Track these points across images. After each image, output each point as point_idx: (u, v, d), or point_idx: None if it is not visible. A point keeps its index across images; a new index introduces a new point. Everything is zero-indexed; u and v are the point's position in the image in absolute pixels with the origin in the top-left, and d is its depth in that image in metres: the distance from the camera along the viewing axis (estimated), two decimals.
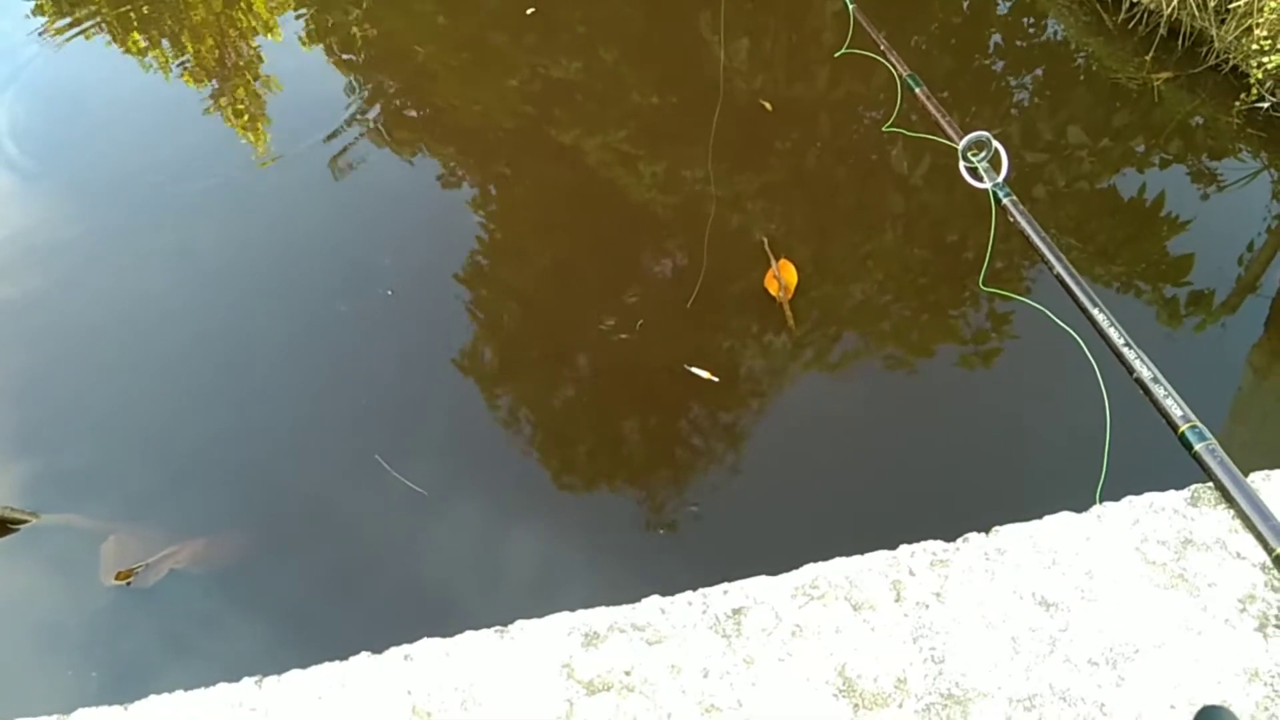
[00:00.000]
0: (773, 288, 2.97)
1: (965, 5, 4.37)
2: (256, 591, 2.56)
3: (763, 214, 3.39)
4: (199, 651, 2.47)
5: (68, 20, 5.23)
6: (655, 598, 1.15)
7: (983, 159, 1.58)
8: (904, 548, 1.19)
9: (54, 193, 4.04)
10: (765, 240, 3.11)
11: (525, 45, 4.35)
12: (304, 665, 1.21)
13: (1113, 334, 1.34)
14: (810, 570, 1.16)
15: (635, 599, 1.17)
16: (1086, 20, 3.99)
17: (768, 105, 3.72)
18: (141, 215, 3.86)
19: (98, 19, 5.24)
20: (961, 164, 1.60)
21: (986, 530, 1.21)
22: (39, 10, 5.22)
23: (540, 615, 1.19)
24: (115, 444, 2.98)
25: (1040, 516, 1.22)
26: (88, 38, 5.13)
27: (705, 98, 3.94)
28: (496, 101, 4.17)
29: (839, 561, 1.17)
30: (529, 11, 4.38)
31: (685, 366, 2.81)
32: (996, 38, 4.15)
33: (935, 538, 1.23)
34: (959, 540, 1.20)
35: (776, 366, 2.85)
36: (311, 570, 2.60)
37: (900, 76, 1.97)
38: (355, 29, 4.77)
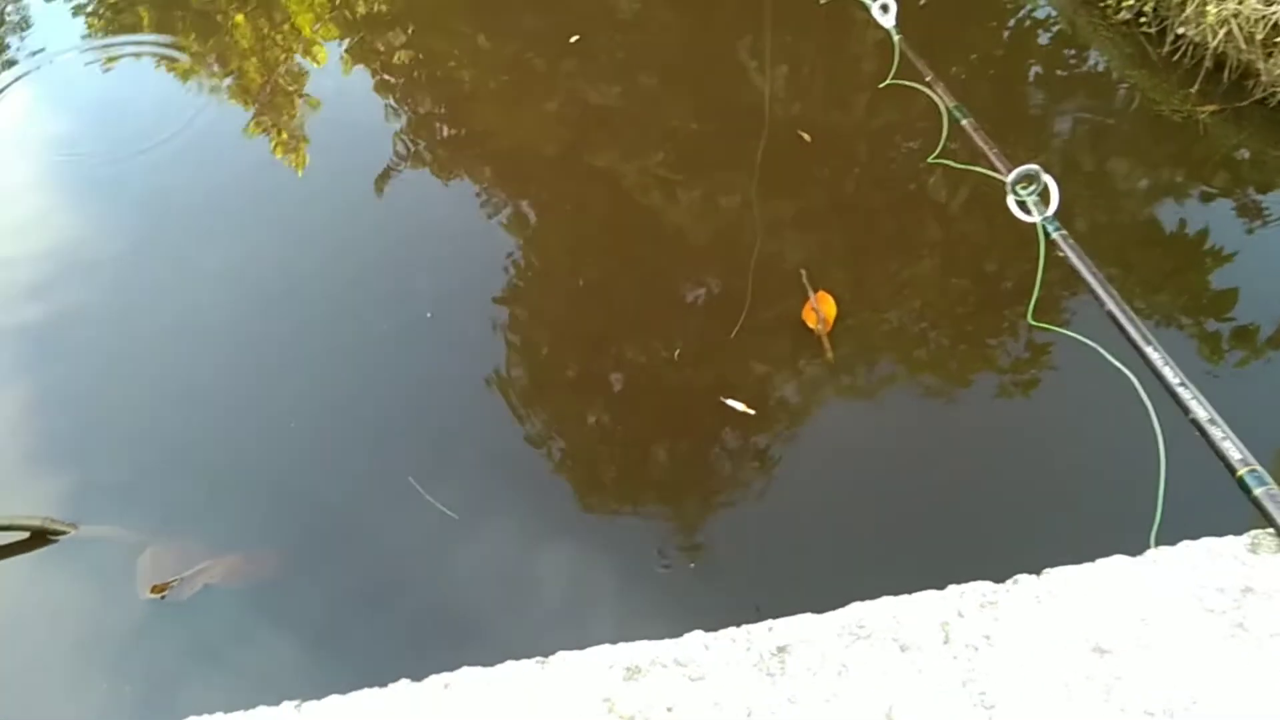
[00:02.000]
0: (810, 320, 2.95)
1: (1006, 35, 4.35)
2: (289, 609, 2.57)
3: (801, 244, 3.37)
4: (231, 668, 2.49)
5: (119, 41, 5.35)
6: (698, 633, 1.14)
7: (1032, 193, 1.57)
8: (952, 588, 1.17)
9: (97, 209, 4.12)
10: (804, 272, 3.10)
11: (564, 70, 4.39)
12: (334, 684, 1.20)
13: (1167, 373, 1.32)
14: (857, 609, 1.14)
15: (669, 628, 1.16)
16: (1130, 52, 3.96)
17: (806, 136, 3.71)
18: (182, 232, 3.93)
19: (148, 44, 5.37)
20: (1009, 197, 1.59)
21: (1037, 572, 1.19)
22: (90, 30, 5.34)
23: (572, 641, 1.18)
24: (153, 457, 3.02)
25: (1093, 559, 1.19)
26: (137, 60, 5.25)
27: (743, 124, 3.95)
28: (535, 125, 4.20)
29: (886, 601, 1.15)
30: (573, 39, 4.42)
31: (721, 399, 2.80)
32: (1037, 68, 4.13)
33: (984, 577, 1.21)
34: (1009, 581, 1.18)
35: (814, 399, 2.83)
36: (344, 590, 2.61)
37: (947, 108, 1.97)
38: (398, 53, 4.84)
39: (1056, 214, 1.55)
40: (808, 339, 2.95)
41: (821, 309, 2.92)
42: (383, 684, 1.17)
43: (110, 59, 5.18)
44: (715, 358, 3.05)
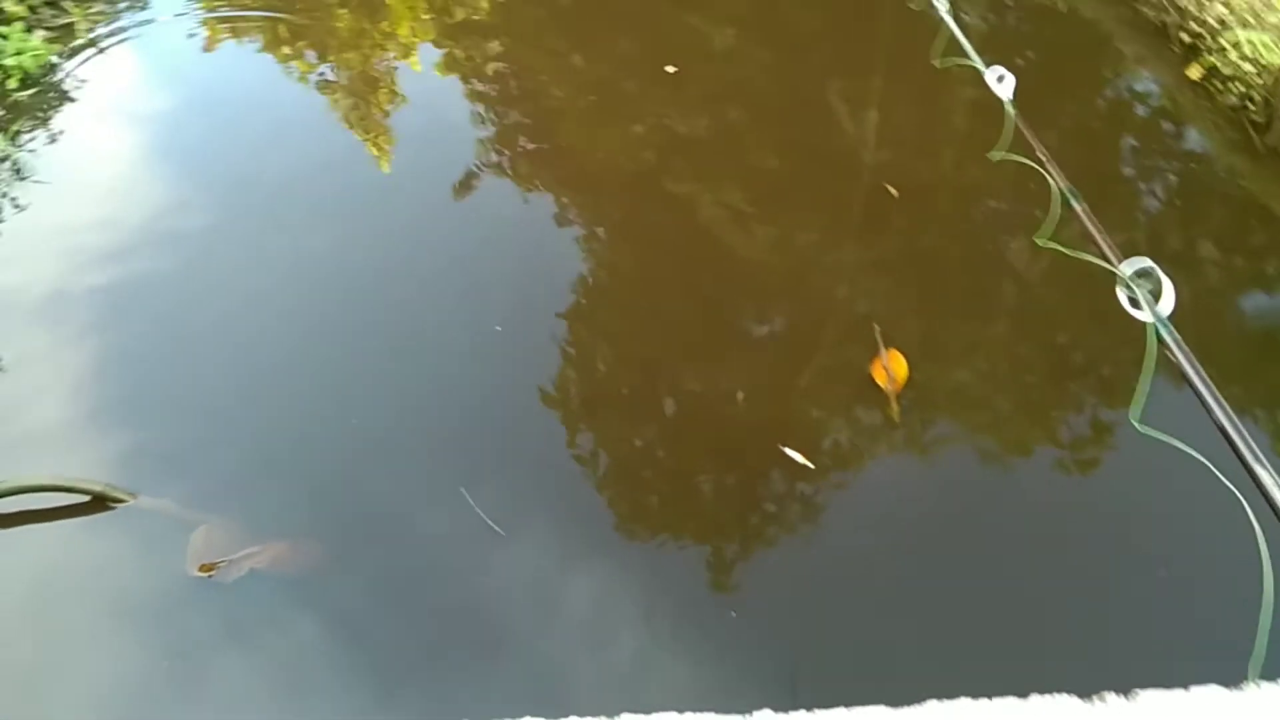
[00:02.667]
0: (880, 377, 2.91)
1: (1103, 108, 4.27)
2: (329, 603, 2.58)
3: (876, 296, 3.33)
4: (266, 653, 2.50)
5: (219, 18, 5.50)
6: (768, 712, 1.11)
7: (1144, 288, 1.52)
8: (1035, 699, 1.12)
9: (188, 181, 4.20)
10: (877, 327, 3.05)
11: (654, 96, 4.41)
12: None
13: (1278, 496, 1.26)
14: (935, 710, 1.10)
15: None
16: (1234, 138, 3.86)
17: (893, 190, 3.66)
18: (265, 213, 3.99)
19: (251, 24, 5.51)
20: (1120, 291, 1.54)
21: (1126, 693, 1.14)
22: (199, 19, 5.48)
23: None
24: (214, 434, 3.06)
25: (1186, 685, 1.14)
26: (239, 41, 5.39)
27: (826, 167, 3.93)
28: (618, 146, 4.22)
29: (965, 703, 1.11)
30: (669, 69, 4.43)
31: (781, 447, 2.76)
32: (1133, 144, 4.04)
33: (1065, 685, 1.16)
34: (1096, 699, 1.13)
35: (876, 462, 2.78)
36: (383, 591, 2.61)
37: (1060, 189, 1.92)
38: (491, 63, 4.90)
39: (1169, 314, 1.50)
40: (874, 395, 2.91)
41: (892, 367, 2.88)
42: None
43: (214, 33, 5.32)
44: (774, 399, 3.02)
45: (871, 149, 3.96)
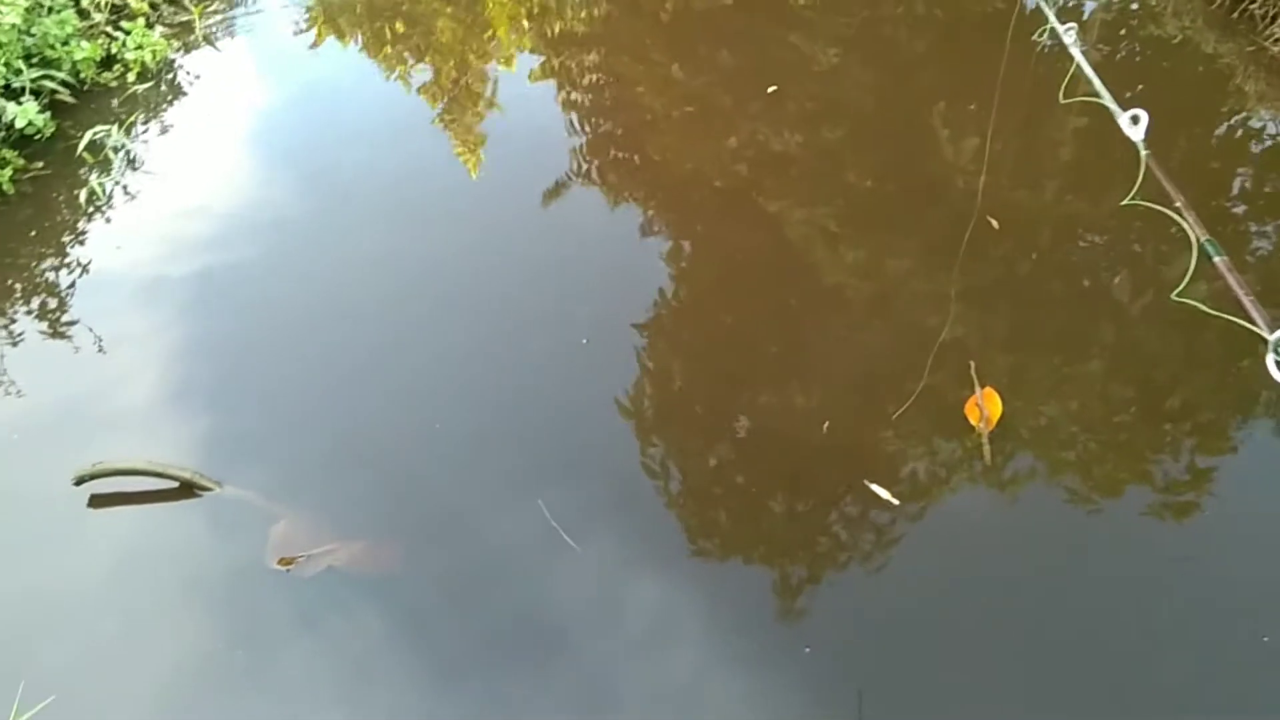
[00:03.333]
0: (973, 416, 2.79)
1: (1232, 145, 4.02)
2: (400, 607, 2.58)
3: (969, 330, 3.18)
4: (338, 652, 2.51)
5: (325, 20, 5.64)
6: None
7: None
8: None
9: (284, 175, 4.32)
10: (973, 364, 2.93)
11: (750, 111, 4.34)
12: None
13: None
14: None
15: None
16: None
17: (994, 223, 3.51)
18: (357, 210, 4.07)
19: (356, 27, 5.63)
20: (1270, 358, 1.41)
21: None
22: (310, 23, 5.64)
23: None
24: (301, 429, 3.11)
25: None
26: (342, 41, 5.51)
27: (923, 193, 3.80)
28: (710, 160, 4.16)
29: None
30: (770, 89, 4.36)
31: (866, 482, 2.67)
32: (1267, 186, 3.80)
33: None
34: None
35: (965, 504, 2.66)
36: (455, 597, 2.60)
37: (1198, 241, 1.79)
38: (588, 73, 4.90)
39: None
40: (966, 432, 2.78)
41: (987, 406, 2.75)
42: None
43: (320, 32, 5.45)
44: (853, 426, 2.92)
45: (972, 177, 3.82)
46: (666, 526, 2.78)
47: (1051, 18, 2.55)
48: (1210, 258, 1.74)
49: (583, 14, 5.36)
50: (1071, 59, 2.66)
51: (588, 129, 4.52)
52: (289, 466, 2.99)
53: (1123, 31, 4.68)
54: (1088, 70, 2.37)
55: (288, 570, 2.62)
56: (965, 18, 4.87)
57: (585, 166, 4.25)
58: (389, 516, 2.81)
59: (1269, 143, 4.02)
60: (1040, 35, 3.62)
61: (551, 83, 4.96)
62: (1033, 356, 3.13)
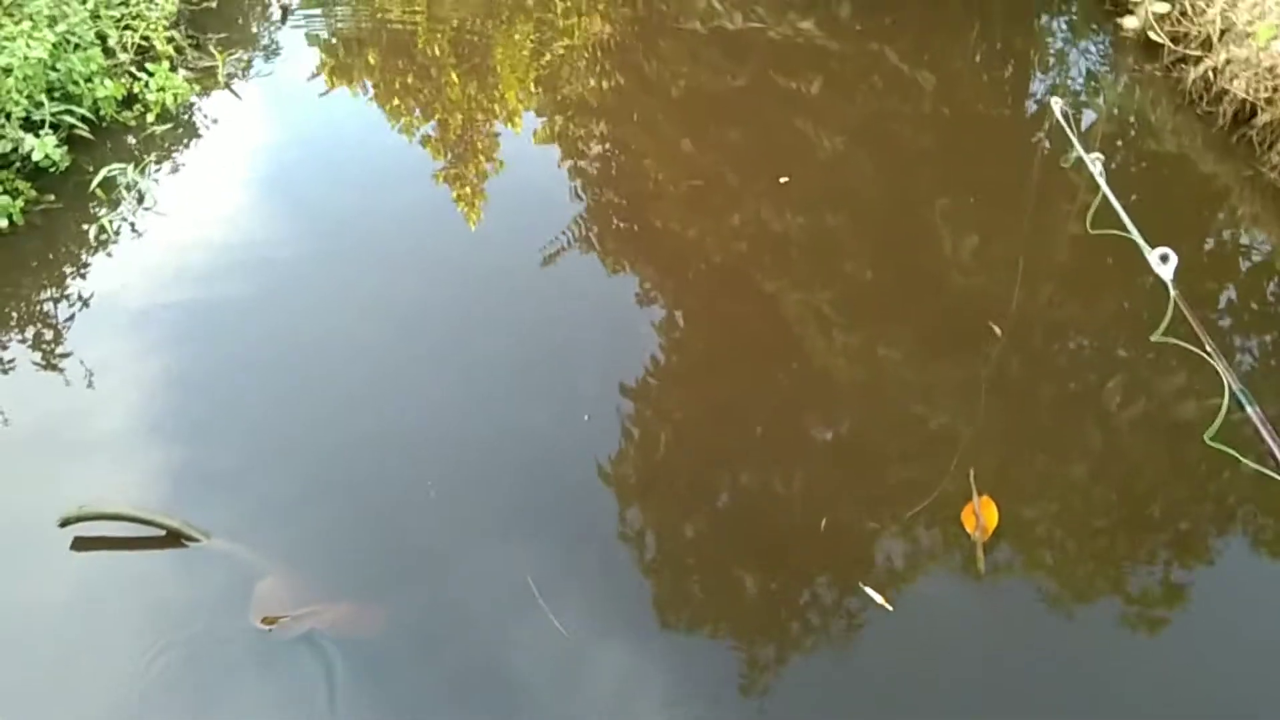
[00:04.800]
0: (969, 524, 2.81)
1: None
2: (379, 676, 2.56)
3: (961, 431, 3.23)
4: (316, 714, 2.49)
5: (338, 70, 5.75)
6: None
7: None
8: None
9: (286, 216, 4.38)
10: (972, 471, 2.96)
11: (756, 189, 4.45)
12: None
13: None
14: None
15: None
16: None
17: (996, 329, 3.56)
18: (353, 254, 4.13)
19: (367, 77, 5.75)
20: None
21: None
22: (320, 69, 5.76)
23: None
24: (290, 479, 3.10)
25: None
26: (353, 90, 5.62)
27: (919, 284, 3.88)
28: (711, 233, 4.24)
29: None
30: (782, 180, 4.44)
31: (860, 585, 2.70)
32: None
33: None
34: None
35: (958, 613, 2.67)
36: (436, 673, 2.58)
37: (1231, 388, 1.83)
38: (595, 141, 5.01)
39: None
40: (959, 539, 2.81)
41: (984, 514, 2.78)
42: None
43: (331, 81, 5.56)
44: (829, 515, 2.95)
45: (971, 276, 3.91)
46: (631, 583, 2.81)
47: (1079, 148, 2.64)
48: (1243, 407, 1.78)
49: (592, 83, 5.50)
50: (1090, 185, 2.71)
51: (592, 194, 4.61)
52: (271, 515, 2.97)
53: (1119, 142, 4.83)
54: (1114, 203, 2.45)
55: (270, 630, 2.60)
56: (972, 120, 5.02)
57: (584, 228, 4.32)
58: (375, 578, 2.79)
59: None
60: (1067, 163, 3.70)
61: (556, 145, 5.07)
62: (1033, 471, 3.16)
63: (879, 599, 2.64)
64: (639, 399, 3.44)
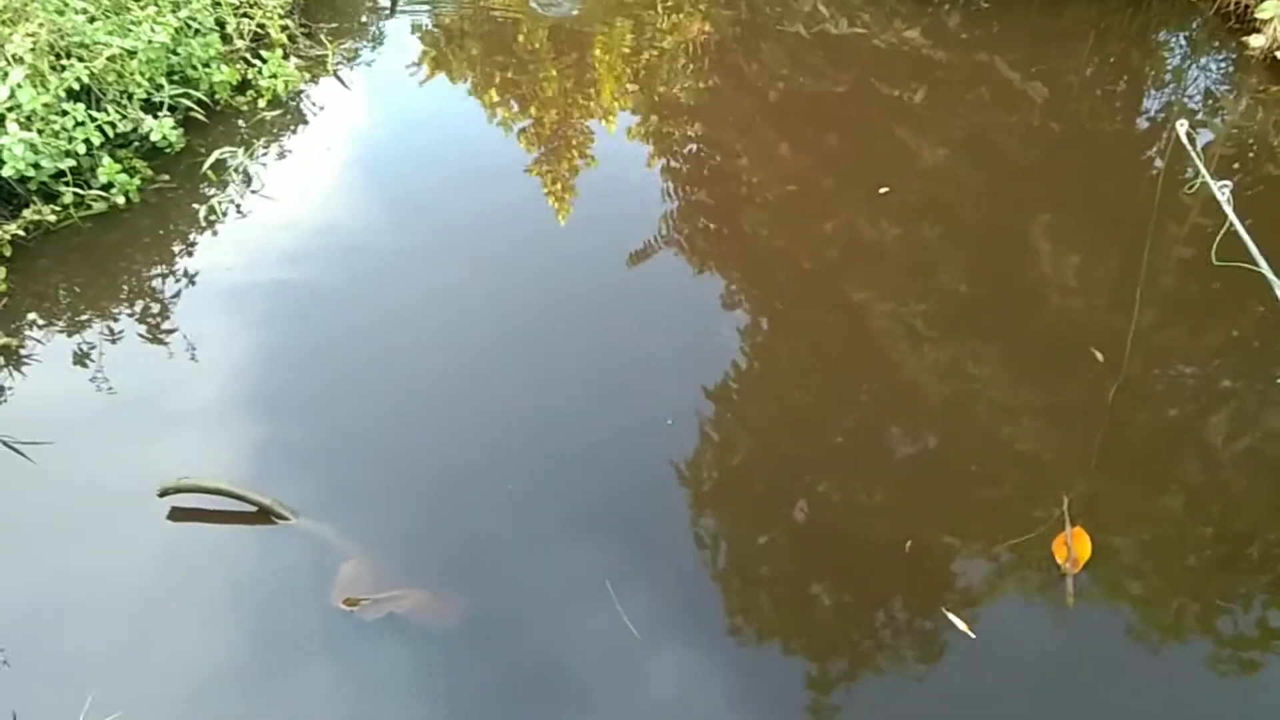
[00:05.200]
0: (1060, 555, 2.71)
1: None
2: (457, 661, 2.60)
3: (1054, 457, 3.11)
4: (389, 699, 2.54)
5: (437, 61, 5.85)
6: None
7: None
8: None
9: (379, 202, 4.47)
10: (1066, 500, 2.85)
11: (850, 196, 4.37)
12: None
13: None
14: None
15: None
16: None
17: (1099, 355, 3.42)
18: (442, 243, 4.22)
19: (467, 70, 5.84)
20: None
21: None
22: (422, 59, 5.87)
23: None
24: (372, 464, 3.17)
25: None
26: (452, 81, 5.71)
27: (1016, 302, 3.76)
28: (802, 240, 4.18)
29: None
30: (882, 190, 4.35)
31: (944, 609, 2.62)
32: None
33: None
34: None
35: (1042, 644, 2.58)
36: (504, 664, 2.61)
37: None
38: (691, 142, 4.98)
39: None
40: (1049, 569, 2.71)
41: (1075, 546, 2.68)
42: None
43: (431, 71, 5.66)
44: (913, 532, 2.87)
45: (1071, 295, 3.76)
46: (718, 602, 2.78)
47: (1205, 174, 2.50)
48: None
49: (690, 83, 5.47)
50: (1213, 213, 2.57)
51: (682, 193, 4.58)
52: (352, 497, 3.05)
53: (1237, 164, 4.59)
54: (1246, 237, 2.32)
55: (352, 611, 2.66)
56: (1082, 136, 4.83)
57: (674, 228, 4.30)
58: (457, 569, 2.83)
59: None
60: (1191, 191, 3.53)
61: (650, 144, 5.05)
62: (1130, 502, 3.03)
63: (961, 624, 2.56)
64: (720, 402, 3.41)
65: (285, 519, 2.89)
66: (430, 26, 6.17)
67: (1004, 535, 2.86)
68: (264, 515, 2.90)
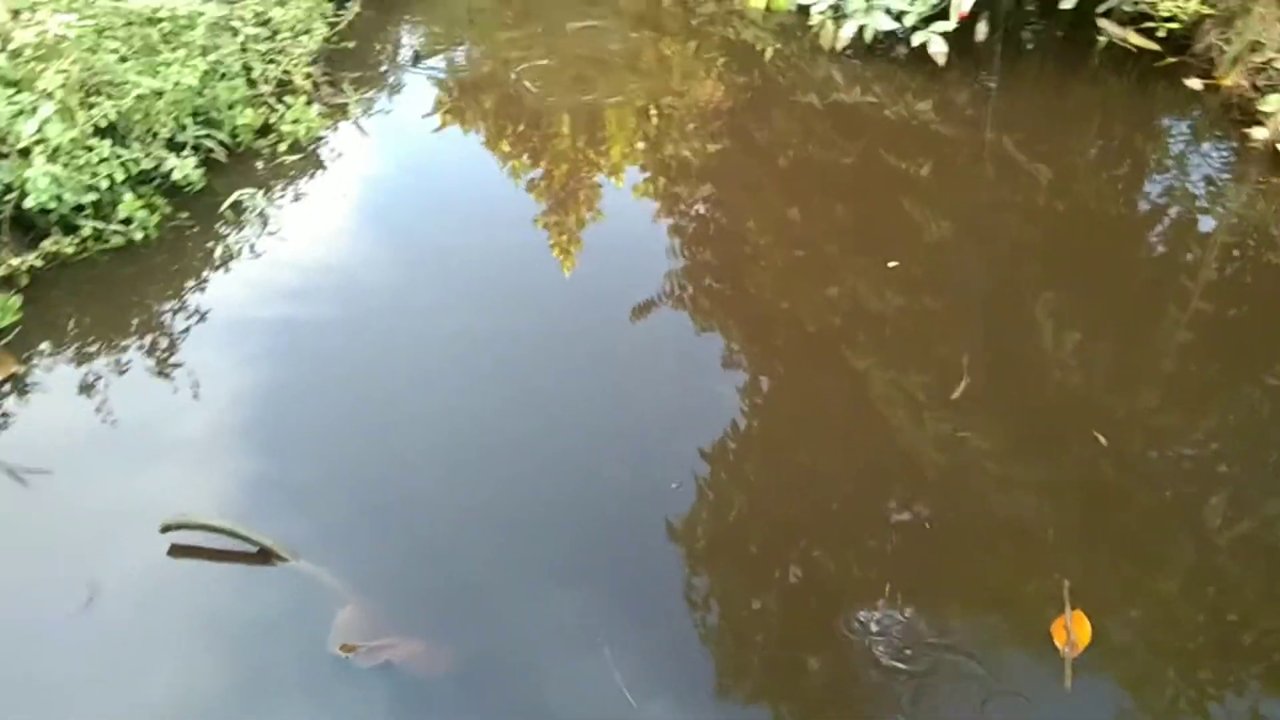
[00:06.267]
0: (1059, 638, 2.70)
1: None
2: (449, 713, 2.60)
3: (1052, 538, 3.11)
4: None
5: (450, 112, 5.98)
6: None
7: None
8: None
9: (386, 245, 4.56)
10: (1067, 584, 2.84)
11: (855, 265, 4.44)
12: None
13: None
14: None
15: None
16: None
17: (1102, 439, 3.41)
18: (444, 287, 4.28)
19: (480, 120, 5.96)
20: None
21: None
22: (438, 109, 6.00)
23: None
24: (366, 508, 3.18)
25: None
26: (464, 130, 5.82)
27: (1018, 377, 3.79)
28: (805, 304, 4.22)
29: None
30: (891, 264, 4.39)
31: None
32: None
33: None
34: None
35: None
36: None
37: None
38: (699, 202, 5.07)
39: None
40: (1048, 654, 2.71)
41: (1075, 630, 2.68)
42: None
43: (444, 120, 5.78)
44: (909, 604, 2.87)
45: (1070, 373, 3.80)
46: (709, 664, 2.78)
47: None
48: None
49: (698, 145, 5.58)
50: None
51: (688, 251, 4.64)
52: (346, 541, 3.06)
53: (1236, 252, 4.66)
54: None
55: (348, 657, 2.66)
56: (1085, 216, 4.90)
57: (678, 286, 4.35)
58: (450, 621, 2.83)
59: None
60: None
61: (658, 202, 5.14)
62: (1127, 586, 3.02)
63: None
64: (717, 462, 3.42)
65: (285, 560, 2.89)
66: (449, 80, 6.31)
67: (1000, 612, 2.86)
68: (264, 556, 2.90)
